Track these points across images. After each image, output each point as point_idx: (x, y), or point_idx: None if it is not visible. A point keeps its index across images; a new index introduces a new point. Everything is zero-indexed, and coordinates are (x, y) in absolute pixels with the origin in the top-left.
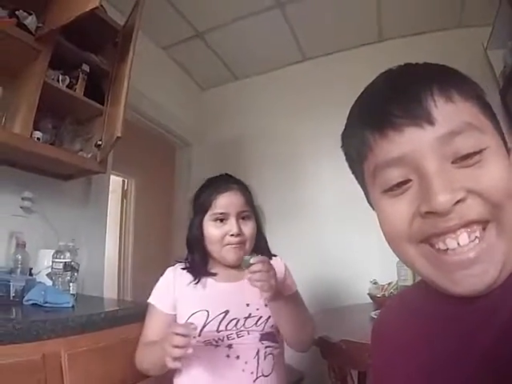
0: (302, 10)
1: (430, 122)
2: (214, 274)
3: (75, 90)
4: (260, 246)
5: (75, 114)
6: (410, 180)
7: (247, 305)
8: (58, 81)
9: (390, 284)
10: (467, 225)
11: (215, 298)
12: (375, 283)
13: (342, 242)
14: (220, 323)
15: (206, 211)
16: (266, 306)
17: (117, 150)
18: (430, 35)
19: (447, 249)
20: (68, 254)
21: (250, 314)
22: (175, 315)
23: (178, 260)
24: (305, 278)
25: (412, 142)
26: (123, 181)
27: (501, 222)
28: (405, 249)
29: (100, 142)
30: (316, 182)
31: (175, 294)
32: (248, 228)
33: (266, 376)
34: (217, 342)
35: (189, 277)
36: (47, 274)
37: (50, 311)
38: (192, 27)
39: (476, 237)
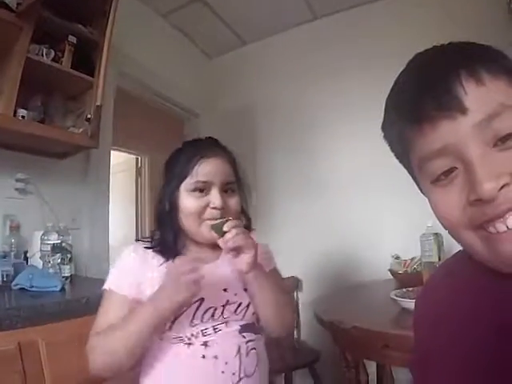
0: None
1: (463, 111)
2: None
3: (61, 63)
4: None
5: (65, 89)
6: (456, 168)
7: (224, 290)
8: (43, 55)
9: (412, 259)
10: None
11: None
12: (397, 258)
13: (362, 215)
14: (195, 314)
15: (182, 179)
16: (245, 290)
17: (127, 128)
18: None
19: (498, 232)
20: (55, 235)
21: (227, 301)
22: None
23: (140, 239)
24: (324, 254)
25: (450, 133)
26: (136, 158)
27: None
28: (462, 235)
29: (90, 116)
30: (332, 151)
31: (140, 279)
32: (233, 202)
33: (250, 376)
34: (190, 338)
35: (156, 258)
36: (40, 257)
37: (37, 296)
38: None
39: None
